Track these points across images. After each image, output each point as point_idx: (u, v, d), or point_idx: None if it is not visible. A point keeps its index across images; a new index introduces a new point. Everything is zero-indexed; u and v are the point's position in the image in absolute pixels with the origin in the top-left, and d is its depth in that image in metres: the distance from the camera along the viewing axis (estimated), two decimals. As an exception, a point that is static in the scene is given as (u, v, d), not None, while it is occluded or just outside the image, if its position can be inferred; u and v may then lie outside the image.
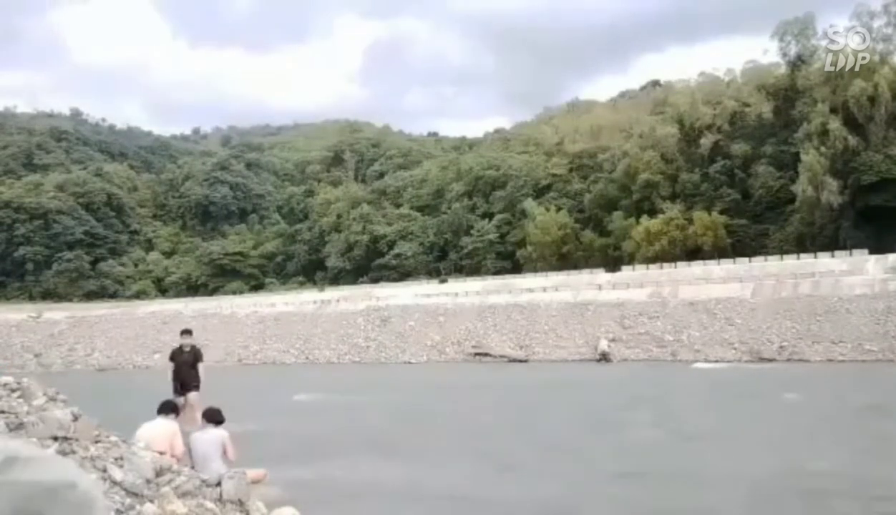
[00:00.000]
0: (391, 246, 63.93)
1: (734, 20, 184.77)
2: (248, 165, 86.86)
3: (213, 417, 7.55)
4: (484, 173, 64.12)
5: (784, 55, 50.98)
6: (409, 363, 29.84)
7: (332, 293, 45.09)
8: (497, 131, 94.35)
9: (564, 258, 52.15)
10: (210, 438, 7.29)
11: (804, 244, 41.95)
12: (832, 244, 39.32)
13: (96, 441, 4.33)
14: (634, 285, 33.80)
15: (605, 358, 26.57)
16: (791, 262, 33.52)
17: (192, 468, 6.28)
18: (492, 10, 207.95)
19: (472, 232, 60.28)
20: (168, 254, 75.43)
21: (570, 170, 61.13)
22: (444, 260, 62.04)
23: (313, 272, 68.62)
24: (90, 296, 64.81)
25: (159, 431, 6.86)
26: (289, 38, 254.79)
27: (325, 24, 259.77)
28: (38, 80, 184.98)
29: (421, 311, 34.85)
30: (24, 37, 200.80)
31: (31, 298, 64.27)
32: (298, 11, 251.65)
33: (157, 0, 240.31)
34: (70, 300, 61.56)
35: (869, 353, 23.48)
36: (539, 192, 59.47)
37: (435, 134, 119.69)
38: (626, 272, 38.53)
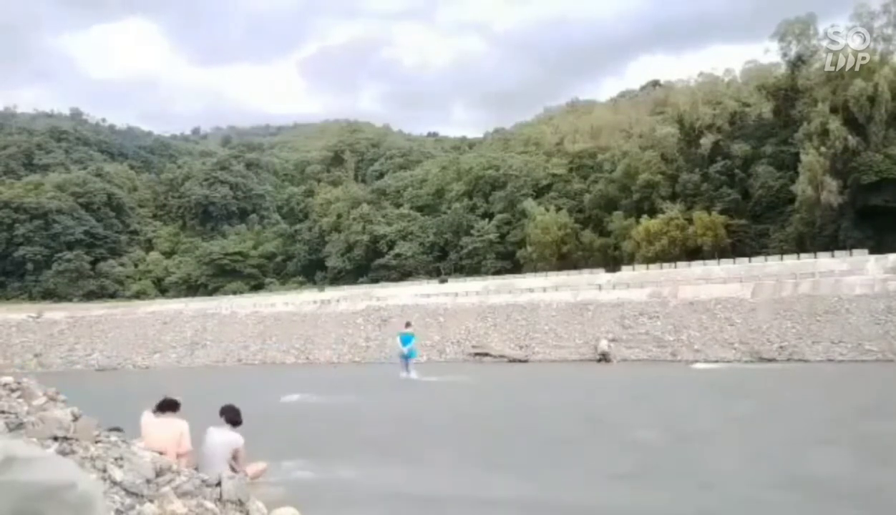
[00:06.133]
0: (391, 246, 63.89)
1: (735, 25, 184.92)
2: (248, 165, 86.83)
3: (230, 417, 7.45)
4: (484, 173, 64.07)
5: (784, 55, 50.99)
6: (409, 363, 29.78)
7: (331, 293, 45.04)
8: (497, 131, 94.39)
9: (564, 258, 52.16)
10: (222, 440, 7.20)
11: (804, 244, 41.96)
12: (832, 244, 39.32)
13: (96, 442, 4.33)
14: (634, 285, 33.77)
15: (604, 358, 26.54)
16: (791, 262, 33.50)
17: (196, 468, 6.27)
18: (492, 13, 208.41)
19: (472, 232, 60.23)
20: (168, 254, 75.39)
21: (570, 170, 61.13)
22: (444, 260, 62.01)
23: (313, 272, 68.59)
24: (90, 296, 64.80)
25: (163, 429, 6.82)
26: (287, 47, 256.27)
27: (323, 28, 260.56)
28: (42, 96, 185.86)
29: (421, 311, 34.82)
30: (28, 57, 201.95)
31: (31, 298, 64.26)
32: (297, 19, 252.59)
33: (159, 21, 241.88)
34: (70, 300, 61.56)
35: (869, 353, 23.47)
36: (539, 192, 59.45)
37: (435, 134, 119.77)
38: (626, 272, 38.50)
